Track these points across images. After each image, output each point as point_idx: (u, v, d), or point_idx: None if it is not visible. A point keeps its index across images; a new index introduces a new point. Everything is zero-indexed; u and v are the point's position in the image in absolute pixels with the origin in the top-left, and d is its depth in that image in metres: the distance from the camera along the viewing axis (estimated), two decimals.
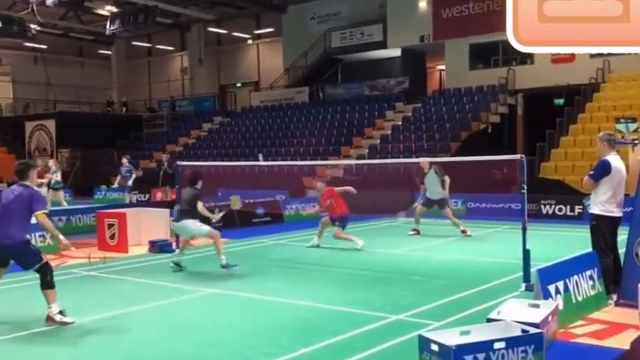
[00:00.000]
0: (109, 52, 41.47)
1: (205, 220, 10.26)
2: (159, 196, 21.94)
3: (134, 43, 40.49)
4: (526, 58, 25.06)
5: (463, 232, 13.50)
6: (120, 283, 9.59)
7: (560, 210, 16.48)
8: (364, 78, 30.11)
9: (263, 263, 11.02)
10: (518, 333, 5.15)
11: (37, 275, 6.98)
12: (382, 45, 28.70)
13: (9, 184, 25.78)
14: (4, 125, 35.73)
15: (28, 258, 6.93)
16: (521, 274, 8.38)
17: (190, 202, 9.91)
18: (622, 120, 17.84)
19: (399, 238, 13.60)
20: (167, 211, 13.55)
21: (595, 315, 6.86)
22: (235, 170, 20.00)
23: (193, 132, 33.02)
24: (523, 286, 8.16)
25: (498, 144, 22.98)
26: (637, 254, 7.24)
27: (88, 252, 11.44)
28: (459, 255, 11.50)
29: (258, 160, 15.85)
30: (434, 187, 13.42)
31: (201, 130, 33.05)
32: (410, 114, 26.09)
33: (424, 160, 13.44)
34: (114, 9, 31.49)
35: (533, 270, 7.54)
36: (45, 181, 19.39)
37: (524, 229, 8.51)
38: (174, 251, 11.94)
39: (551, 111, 22.58)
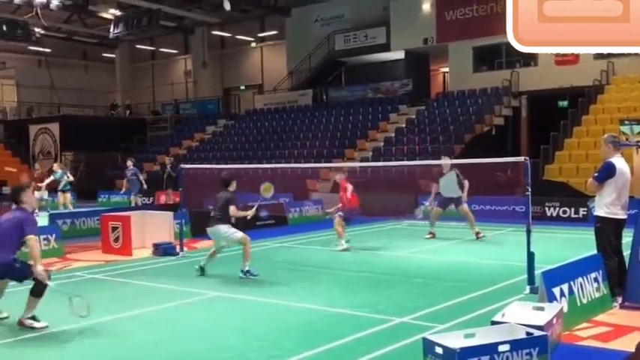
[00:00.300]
0: (113, 56, 41.60)
1: (243, 220, 10.08)
2: (162, 199, 22.00)
3: (138, 46, 40.58)
4: (530, 60, 25.05)
5: (477, 234, 13.31)
6: (124, 285, 9.60)
7: (564, 212, 16.44)
8: (368, 81, 30.10)
9: (267, 266, 11.00)
10: (523, 335, 5.13)
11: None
12: (386, 48, 28.70)
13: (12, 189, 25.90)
14: (8, 129, 35.86)
15: (18, 273, 7.06)
16: (525, 276, 8.36)
17: (223, 207, 9.59)
18: (626, 122, 17.81)
19: (403, 241, 13.58)
20: (171, 214, 13.57)
21: (600, 317, 6.83)
22: (239, 173, 19.94)
23: (197, 135, 33.06)
24: (527, 288, 8.14)
25: (502, 146, 22.96)
26: None
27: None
28: (463, 257, 11.48)
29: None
30: (450, 185, 13.22)
31: (205, 133, 33.09)
32: (414, 116, 26.08)
33: (446, 162, 13.06)
34: (118, 12, 31.57)
35: (537, 272, 7.51)
36: (43, 185, 19.52)
37: (528, 232, 8.49)
38: (178, 254, 11.97)
39: (555, 113, 22.54)
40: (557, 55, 23.79)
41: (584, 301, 6.78)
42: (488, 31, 24.23)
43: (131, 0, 30.23)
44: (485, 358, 4.72)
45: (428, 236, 13.68)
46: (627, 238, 7.55)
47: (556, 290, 6.39)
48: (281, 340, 6.46)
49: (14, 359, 6.15)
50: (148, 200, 23.44)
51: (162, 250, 12.13)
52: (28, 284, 7.08)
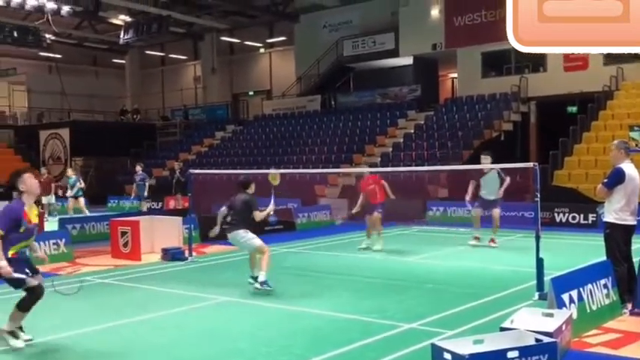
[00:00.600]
0: (123, 62, 41.84)
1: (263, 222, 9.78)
2: (171, 204, 22.06)
3: (148, 52, 40.80)
4: (539, 66, 25.01)
5: (492, 240, 13.06)
6: (133, 290, 9.64)
7: (573, 218, 16.38)
8: (376, 86, 30.13)
9: (275, 271, 10.98)
10: (532, 342, 5.12)
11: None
12: (394, 53, 28.72)
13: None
14: (19, 134, 36.08)
15: (9, 283, 6.43)
16: (534, 282, 8.33)
17: (242, 211, 8.97)
18: (636, 128, 17.76)
19: (412, 246, 13.55)
20: (180, 219, 13.61)
21: (609, 324, 6.80)
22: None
23: (206, 140, 33.15)
24: (536, 294, 8.12)
25: (511, 152, 22.90)
26: None
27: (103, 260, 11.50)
28: (472, 263, 11.46)
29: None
30: (492, 186, 12.86)
31: (214, 139, 33.19)
32: (422, 122, 26.07)
33: (486, 163, 12.57)
34: (128, 18, 31.78)
35: (546, 279, 7.49)
36: (52, 192, 19.69)
37: (537, 238, 8.47)
38: (186, 259, 12.00)
39: (565, 119, 22.48)
40: (566, 60, 23.77)
41: (594, 307, 6.75)
42: (496, 37, 24.08)
43: (141, 6, 30.43)
44: None
45: (473, 242, 13.26)
46: (637, 244, 7.53)
47: (565, 297, 6.37)
48: (289, 345, 6.47)
49: None
50: (157, 205, 23.52)
51: (171, 255, 12.17)
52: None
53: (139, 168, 21.07)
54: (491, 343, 5.10)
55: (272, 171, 10.26)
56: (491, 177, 12.86)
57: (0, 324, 6.55)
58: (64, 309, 8.17)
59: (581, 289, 6.61)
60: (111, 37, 35.34)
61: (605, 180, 7.47)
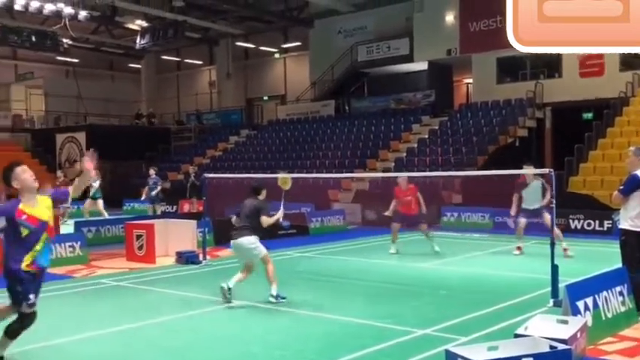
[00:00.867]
0: (139, 66, 42.14)
1: (274, 227, 9.41)
2: (186, 207, 22.15)
3: (163, 57, 41.07)
4: (554, 72, 24.87)
5: (564, 250, 12.23)
6: (147, 293, 9.69)
7: (589, 225, 16.27)
8: (390, 91, 30.10)
9: (288, 276, 11.02)
10: (547, 349, 5.09)
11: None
12: (409, 59, 28.69)
13: None
14: (35, 137, 36.43)
15: (11, 291, 5.66)
16: (549, 289, 8.30)
17: (251, 217, 8.58)
18: None
19: (425, 252, 13.51)
20: (194, 222, 13.68)
21: (625, 332, 6.75)
22: (267, 182, 20.10)
23: (220, 144, 33.29)
24: (551, 301, 8.07)
25: (526, 158, 22.74)
26: None
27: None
28: (486, 269, 11.41)
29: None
30: (535, 196, 12.44)
31: (228, 143, 33.31)
32: (436, 127, 26.01)
33: (529, 171, 12.12)
34: (144, 24, 32.01)
35: (561, 285, 7.45)
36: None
37: (552, 244, 8.44)
38: (200, 262, 12.06)
39: (580, 125, 22.34)
40: (582, 66, 23.64)
41: (609, 315, 6.71)
42: None
43: (157, 11, 30.64)
44: None
45: (516, 252, 12.91)
46: None
47: (580, 304, 6.33)
48: (303, 349, 6.48)
49: None
50: (172, 209, 23.63)
51: (186, 258, 12.23)
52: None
53: (152, 172, 21.18)
54: (506, 349, 5.08)
55: (282, 175, 9.93)
56: (534, 187, 12.50)
57: None
58: (78, 311, 8.25)
59: (596, 297, 6.57)
60: (127, 42, 35.62)
61: (621, 187, 7.42)
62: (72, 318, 7.21)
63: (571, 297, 6.29)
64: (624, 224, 7.39)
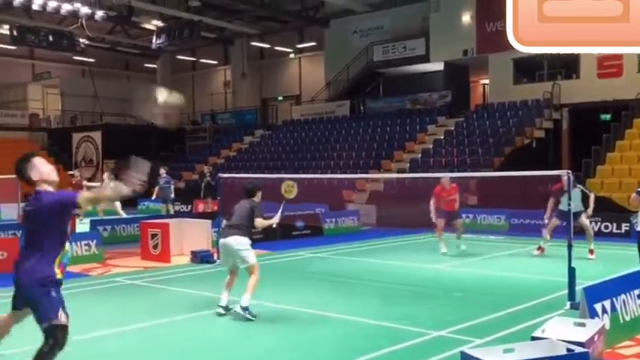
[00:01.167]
0: (155, 66, 42.37)
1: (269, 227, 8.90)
2: (201, 207, 22.22)
3: (179, 57, 41.25)
4: (572, 73, 24.66)
5: (591, 252, 12.37)
6: (162, 292, 9.72)
7: (606, 227, 16.10)
8: (406, 92, 30.00)
9: (302, 276, 11.03)
10: (564, 352, 5.02)
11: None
12: (425, 59, 28.58)
13: None
14: (52, 136, 36.76)
15: (46, 306, 4.56)
16: (566, 291, 8.22)
17: (245, 217, 7.94)
18: None
19: (440, 253, 13.43)
20: (209, 222, 13.71)
21: None
22: (275, 183, 20.11)
23: (235, 145, 33.36)
24: (568, 304, 7.99)
25: (543, 159, 22.62)
26: None
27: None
28: (502, 271, 11.33)
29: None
30: (575, 202, 11.46)
31: (242, 143, 33.38)
32: (452, 128, 25.89)
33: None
34: (160, 23, 32.18)
35: (578, 288, 7.37)
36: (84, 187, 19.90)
37: (569, 247, 8.35)
38: (215, 261, 12.07)
39: (598, 126, 22.13)
40: (600, 67, 23.41)
41: (627, 318, 6.62)
42: None
43: (173, 11, 30.79)
44: None
45: (536, 252, 12.92)
46: None
47: (598, 306, 6.25)
48: (316, 350, 6.46)
49: None
50: (186, 208, 23.71)
51: (200, 257, 12.26)
52: None
53: (162, 171, 21.21)
54: (522, 352, 5.01)
55: (287, 182, 9.15)
56: (574, 194, 11.53)
57: None
58: (93, 310, 8.28)
59: (614, 299, 6.48)
60: (143, 41, 35.82)
61: (639, 189, 7.33)
62: (87, 316, 7.23)
63: (589, 299, 6.21)
64: None
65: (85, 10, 27.65)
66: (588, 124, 22.82)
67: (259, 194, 8.24)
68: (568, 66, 24.75)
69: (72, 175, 21.58)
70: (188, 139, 37.66)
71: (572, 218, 8.80)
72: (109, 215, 19.14)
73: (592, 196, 12.58)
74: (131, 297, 9.33)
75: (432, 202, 13.12)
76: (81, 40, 32.05)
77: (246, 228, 7.85)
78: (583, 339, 5.38)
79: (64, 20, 31.26)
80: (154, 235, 12.79)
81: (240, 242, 7.78)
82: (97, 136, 34.22)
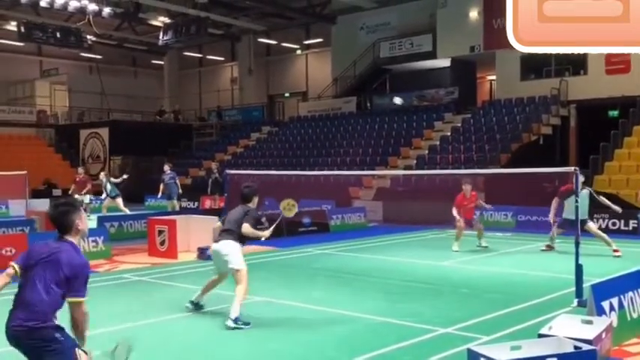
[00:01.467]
0: (162, 62, 42.42)
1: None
2: (208, 203, 22.25)
3: (186, 53, 41.28)
4: (579, 69, 24.55)
5: (615, 251, 12.12)
6: (169, 288, 9.75)
7: (614, 224, 16.03)
8: (413, 88, 29.94)
9: (309, 273, 11.04)
10: (571, 349, 5.01)
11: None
12: (432, 55, 28.51)
13: (63, 191, 26.31)
14: (59, 133, 36.88)
15: (59, 356, 4.15)
16: (573, 289, 8.19)
17: (236, 221, 7.70)
18: None
19: (447, 250, 13.42)
20: (216, 218, 13.69)
21: None
22: (282, 179, 20.14)
23: (242, 141, 33.40)
24: (575, 301, 7.97)
25: (550, 156, 22.54)
26: None
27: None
28: (509, 268, 11.30)
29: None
30: (582, 207, 10.71)
31: (249, 140, 33.41)
32: (459, 124, 25.83)
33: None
34: (167, 20, 32.22)
35: (586, 285, 7.35)
36: (85, 192, 20.14)
37: (577, 244, 8.32)
38: None
39: (605, 123, 22.03)
40: (607, 63, 23.30)
41: (635, 315, 6.60)
42: None
43: (180, 8, 30.82)
44: None
45: (544, 248, 12.91)
46: None
47: (605, 304, 6.24)
48: (322, 347, 6.46)
49: None
50: (193, 205, 23.75)
51: (207, 254, 12.24)
52: None
53: (167, 167, 21.25)
54: (529, 349, 5.00)
55: (287, 200, 8.44)
56: (582, 196, 10.87)
57: None
58: (100, 306, 8.30)
59: (621, 297, 6.47)
60: (150, 38, 35.88)
61: None
62: (94, 312, 7.21)
63: (596, 297, 6.20)
64: None
65: (92, 6, 27.72)
66: (596, 121, 22.73)
67: (255, 200, 7.98)
68: (575, 62, 24.62)
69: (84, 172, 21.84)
70: (195, 136, 37.73)
71: (579, 218, 8.76)
72: (111, 212, 19.17)
73: (602, 198, 12.39)
74: (138, 293, 9.36)
75: (454, 212, 13.05)
76: (88, 36, 32.17)
77: (236, 233, 7.63)
78: (590, 336, 5.37)
79: (71, 17, 31.37)
80: (161, 232, 12.82)
81: (227, 247, 7.59)
82: (104, 132, 34.31)
